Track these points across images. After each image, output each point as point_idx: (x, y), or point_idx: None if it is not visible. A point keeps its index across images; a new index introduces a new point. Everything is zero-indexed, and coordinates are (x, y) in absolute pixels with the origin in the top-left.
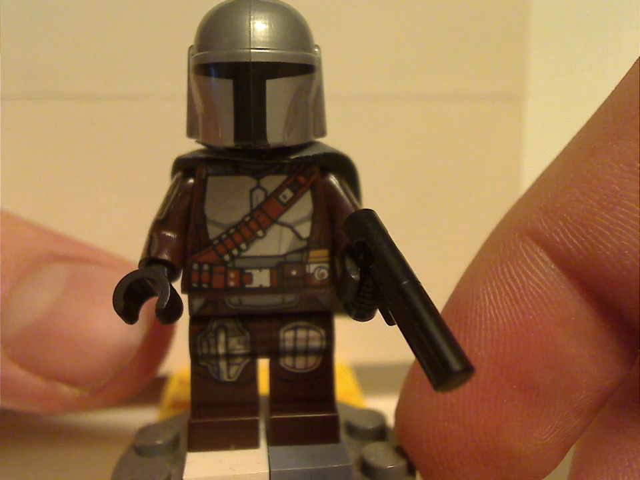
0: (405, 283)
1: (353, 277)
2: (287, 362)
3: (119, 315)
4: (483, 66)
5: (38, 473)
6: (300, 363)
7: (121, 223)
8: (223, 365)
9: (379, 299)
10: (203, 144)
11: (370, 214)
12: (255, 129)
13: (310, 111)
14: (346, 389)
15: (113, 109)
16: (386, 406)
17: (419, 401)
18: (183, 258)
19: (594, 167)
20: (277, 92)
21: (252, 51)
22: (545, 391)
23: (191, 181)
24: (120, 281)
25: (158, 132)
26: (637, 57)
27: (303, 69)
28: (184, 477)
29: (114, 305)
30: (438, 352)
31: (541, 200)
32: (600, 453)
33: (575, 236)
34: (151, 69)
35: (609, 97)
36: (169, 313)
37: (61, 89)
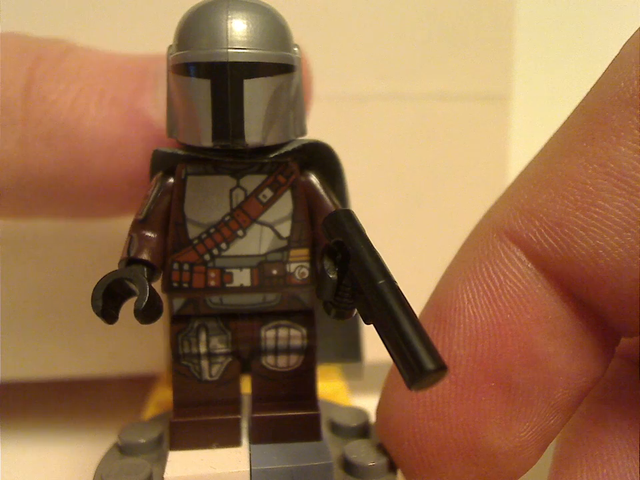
0: (380, 282)
1: (330, 276)
2: (268, 361)
3: (98, 316)
4: (468, 66)
5: (20, 471)
6: (282, 361)
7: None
8: (204, 364)
9: (357, 298)
10: (182, 144)
11: (348, 214)
12: (233, 129)
13: (289, 110)
14: (332, 388)
15: None
16: (372, 405)
17: (399, 398)
18: (163, 258)
19: (569, 167)
20: (255, 92)
21: (229, 50)
22: (522, 389)
23: (171, 180)
24: (98, 282)
25: None
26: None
27: (281, 68)
28: (165, 475)
29: (92, 306)
30: (412, 351)
31: (519, 200)
32: (580, 447)
33: (551, 236)
34: None
35: (583, 98)
36: (148, 312)
37: None
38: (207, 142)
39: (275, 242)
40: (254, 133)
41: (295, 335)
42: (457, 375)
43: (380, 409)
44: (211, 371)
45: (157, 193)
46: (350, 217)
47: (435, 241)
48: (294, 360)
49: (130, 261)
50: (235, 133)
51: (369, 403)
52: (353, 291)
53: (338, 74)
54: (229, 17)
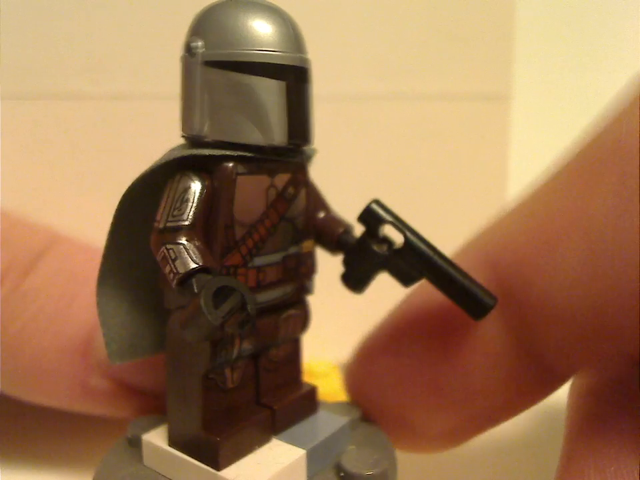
0: (437, 250)
1: (382, 253)
2: (274, 352)
3: (215, 330)
4: (469, 66)
5: (30, 460)
6: (283, 350)
7: (107, 220)
8: (228, 372)
9: (418, 266)
10: (221, 142)
11: (382, 202)
12: (304, 129)
13: None
14: (332, 388)
15: (99, 108)
16: None
17: (369, 367)
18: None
19: (544, 220)
20: (308, 96)
21: (300, 55)
22: (446, 393)
23: (207, 181)
24: (203, 296)
25: (147, 131)
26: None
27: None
28: None
29: (212, 319)
30: (474, 297)
31: (500, 237)
32: (587, 446)
33: (513, 277)
34: (139, 68)
35: (585, 144)
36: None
37: (46, 89)
38: (282, 140)
39: (294, 236)
40: (311, 133)
41: (299, 323)
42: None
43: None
44: (233, 378)
45: (200, 195)
46: (385, 205)
47: (434, 241)
48: (290, 347)
49: (200, 270)
50: (305, 132)
51: None
52: (415, 260)
53: (338, 74)
54: (284, 20)
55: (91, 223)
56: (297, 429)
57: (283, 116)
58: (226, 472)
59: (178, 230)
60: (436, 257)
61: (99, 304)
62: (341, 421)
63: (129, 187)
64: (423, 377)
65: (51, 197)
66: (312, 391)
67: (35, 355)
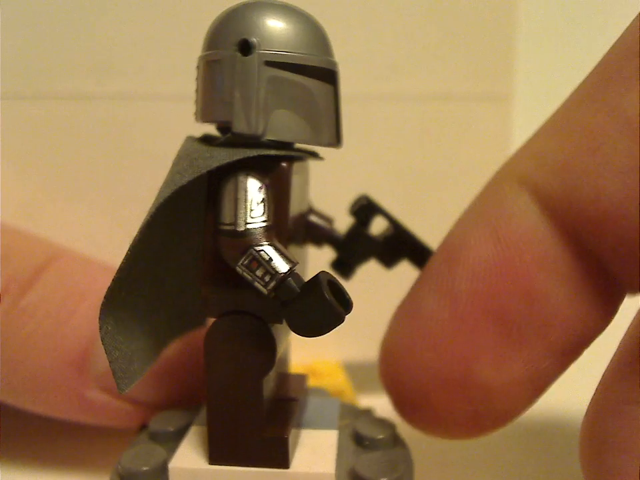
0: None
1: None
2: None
3: (340, 321)
4: (470, 66)
5: (30, 460)
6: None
7: (111, 224)
8: None
9: (405, 250)
10: (275, 142)
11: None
12: (340, 130)
13: None
14: (338, 387)
15: (104, 108)
16: (379, 403)
17: (401, 331)
18: None
19: (581, 114)
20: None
21: (335, 61)
22: (518, 327)
23: (267, 180)
24: (318, 288)
25: (154, 132)
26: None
27: None
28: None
29: (338, 314)
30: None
31: (531, 146)
32: (617, 429)
33: (557, 179)
34: (144, 68)
35: (608, 50)
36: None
37: (51, 89)
38: (334, 142)
39: (301, 227)
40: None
41: None
42: (455, 310)
43: (384, 342)
44: None
45: (270, 196)
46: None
47: (435, 241)
48: None
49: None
50: (341, 134)
51: (376, 402)
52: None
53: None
54: (321, 27)
55: (95, 227)
56: (308, 416)
57: (333, 118)
58: (295, 467)
59: (262, 231)
60: (419, 240)
61: (103, 338)
62: (334, 401)
63: (168, 195)
64: (492, 313)
65: (53, 199)
66: (305, 378)
67: (33, 370)
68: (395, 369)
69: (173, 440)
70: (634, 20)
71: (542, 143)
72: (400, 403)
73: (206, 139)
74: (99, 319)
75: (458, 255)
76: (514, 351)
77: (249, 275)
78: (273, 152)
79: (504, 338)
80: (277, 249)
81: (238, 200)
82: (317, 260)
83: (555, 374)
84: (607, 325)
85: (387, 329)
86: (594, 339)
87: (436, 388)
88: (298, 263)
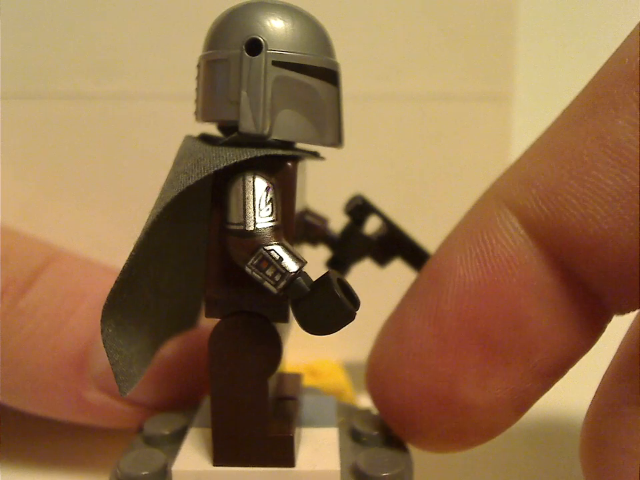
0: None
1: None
2: None
3: (352, 318)
4: (470, 66)
5: (30, 460)
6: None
7: (111, 224)
8: None
9: (401, 248)
10: (280, 142)
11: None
12: (342, 131)
13: None
14: (338, 386)
15: (103, 108)
16: None
17: (387, 347)
18: None
19: (569, 138)
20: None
21: (337, 62)
22: (502, 349)
23: (273, 179)
24: (332, 293)
25: (153, 132)
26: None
27: None
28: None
29: (350, 312)
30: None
31: (520, 170)
32: (615, 432)
33: (545, 203)
34: (143, 68)
35: (596, 72)
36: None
37: (51, 89)
38: (336, 142)
39: (299, 226)
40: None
41: None
42: (440, 330)
43: (370, 358)
44: None
45: (277, 195)
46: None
47: (435, 241)
48: None
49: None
50: (342, 134)
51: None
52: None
53: None
54: (325, 30)
55: (94, 227)
56: (306, 414)
57: (335, 118)
58: (300, 465)
59: (271, 230)
60: (412, 239)
61: (105, 341)
62: (330, 399)
63: (174, 195)
64: (476, 334)
65: (52, 199)
66: (300, 377)
67: (31, 371)
68: (381, 385)
69: (170, 443)
70: (623, 42)
71: (530, 166)
72: (387, 418)
73: (207, 139)
74: (101, 321)
75: (444, 275)
76: (498, 371)
77: (258, 274)
78: (280, 152)
79: (488, 358)
80: (286, 249)
81: (246, 200)
82: (312, 259)
83: (539, 393)
84: (592, 346)
85: (373, 345)
86: (579, 359)
87: (421, 404)
88: (307, 262)
